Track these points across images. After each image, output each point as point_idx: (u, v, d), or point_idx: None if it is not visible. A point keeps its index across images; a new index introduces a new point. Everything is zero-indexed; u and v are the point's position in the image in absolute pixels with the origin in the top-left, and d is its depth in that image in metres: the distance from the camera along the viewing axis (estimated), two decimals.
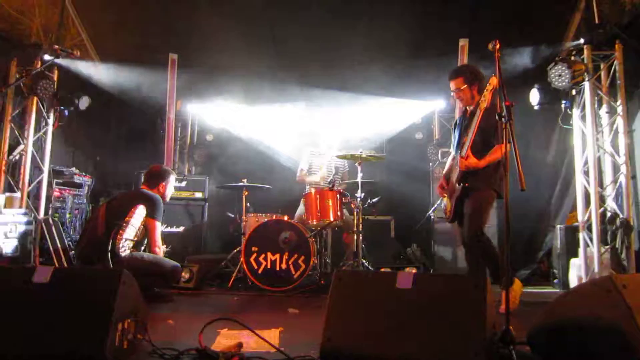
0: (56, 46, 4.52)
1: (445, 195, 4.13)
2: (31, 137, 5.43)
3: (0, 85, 4.96)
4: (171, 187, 4.68)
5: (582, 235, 4.85)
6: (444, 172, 4.30)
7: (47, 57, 5.16)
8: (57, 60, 5.17)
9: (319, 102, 6.88)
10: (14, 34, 5.61)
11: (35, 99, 5.39)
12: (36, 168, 5.60)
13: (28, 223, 5.13)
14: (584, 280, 4.69)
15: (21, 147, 5.41)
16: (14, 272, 2.74)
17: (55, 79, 5.50)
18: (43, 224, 5.32)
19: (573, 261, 5.00)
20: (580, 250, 4.86)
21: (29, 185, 5.45)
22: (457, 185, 3.91)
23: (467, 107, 4.05)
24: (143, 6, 6.17)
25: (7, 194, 5.19)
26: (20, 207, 5.22)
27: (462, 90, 3.94)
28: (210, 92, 7.16)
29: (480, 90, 3.83)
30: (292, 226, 4.96)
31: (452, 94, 4.06)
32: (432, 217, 5.97)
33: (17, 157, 5.43)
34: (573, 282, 4.95)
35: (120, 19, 6.20)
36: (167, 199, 4.62)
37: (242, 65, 6.52)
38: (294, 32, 6.32)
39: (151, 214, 4.28)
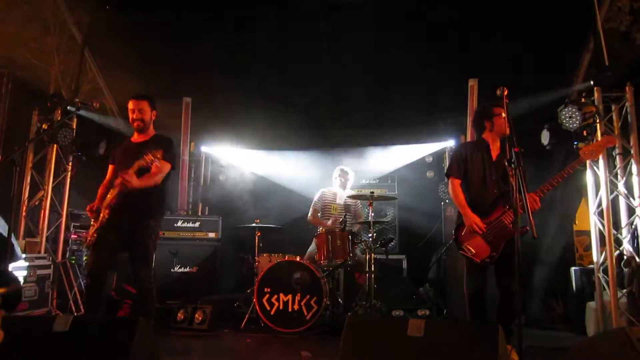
0: (77, 99, 4.70)
1: (478, 234, 3.75)
2: (51, 183, 5.60)
3: (22, 134, 5.14)
4: None
5: (597, 279, 4.77)
6: (462, 201, 3.87)
7: (68, 107, 5.35)
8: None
9: (331, 144, 7.01)
10: (35, 82, 5.83)
11: (55, 146, 5.59)
12: (54, 212, 5.75)
13: (46, 267, 5.24)
14: (600, 325, 4.60)
15: (41, 193, 5.58)
16: (34, 322, 2.82)
17: (74, 126, 5.72)
18: (61, 267, 5.43)
19: (589, 304, 4.92)
20: (596, 293, 4.77)
21: (48, 230, 5.59)
22: (512, 226, 3.57)
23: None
24: (158, 51, 6.41)
25: (27, 239, 5.33)
26: (40, 251, 5.35)
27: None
28: (223, 133, 7.35)
29: None
30: (304, 267, 4.99)
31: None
32: (444, 256, 5.96)
33: (36, 203, 5.59)
34: (589, 326, 4.87)
35: (136, 63, 6.43)
36: None
37: (254, 108, 6.71)
38: (308, 80, 6.51)
39: None
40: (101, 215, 3.69)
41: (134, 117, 3.96)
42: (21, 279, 4.82)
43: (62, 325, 2.57)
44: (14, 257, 4.38)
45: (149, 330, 2.67)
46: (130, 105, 3.98)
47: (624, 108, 4.88)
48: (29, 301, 4.93)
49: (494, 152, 3.95)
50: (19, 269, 4.81)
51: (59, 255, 5.59)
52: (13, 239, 4.42)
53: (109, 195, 3.73)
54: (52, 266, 5.34)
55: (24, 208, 5.44)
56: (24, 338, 2.56)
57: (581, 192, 5.58)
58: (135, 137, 4.07)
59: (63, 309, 5.36)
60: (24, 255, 4.97)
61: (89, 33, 6.07)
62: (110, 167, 4.06)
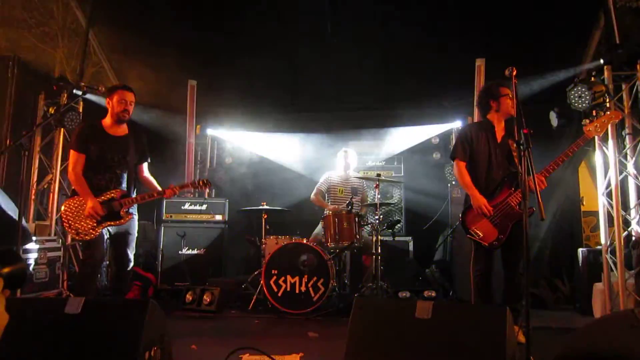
0: (82, 83, 4.68)
1: (485, 217, 3.75)
2: (59, 167, 5.63)
3: (29, 118, 5.16)
4: None
5: (605, 260, 4.73)
6: (469, 183, 3.86)
7: (74, 91, 5.35)
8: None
9: (337, 126, 6.98)
10: (40, 66, 5.82)
11: (62, 130, 5.60)
12: (63, 195, 5.78)
13: (56, 249, 5.31)
14: (607, 306, 4.59)
15: (49, 176, 5.61)
16: (46, 304, 2.85)
17: (81, 110, 5.72)
18: (71, 249, 5.49)
19: (596, 285, 4.91)
20: (604, 274, 4.74)
21: (57, 212, 5.63)
22: (518, 208, 3.66)
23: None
24: (163, 34, 6.37)
25: (37, 222, 5.39)
26: (49, 234, 5.41)
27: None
28: (229, 116, 7.33)
29: None
30: (311, 249, 5.02)
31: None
32: (450, 238, 5.97)
33: (45, 186, 5.63)
34: (596, 307, 4.86)
35: (141, 46, 6.39)
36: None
37: (260, 91, 6.68)
38: (313, 62, 6.45)
39: None
40: (126, 217, 3.85)
41: (128, 109, 3.91)
42: (32, 262, 4.88)
43: (74, 307, 2.60)
44: (26, 240, 4.44)
45: (159, 311, 2.70)
46: (128, 97, 3.90)
47: (635, 87, 4.78)
48: (40, 283, 5.01)
49: (499, 133, 3.92)
50: (29, 251, 4.87)
51: (69, 237, 5.64)
52: (23, 222, 4.47)
53: (113, 195, 3.80)
54: (62, 248, 5.41)
55: (33, 191, 5.49)
56: (36, 320, 2.60)
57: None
58: (115, 130, 3.96)
59: (73, 290, 5.42)
60: (34, 238, 5.03)
61: (93, 15, 6.03)
62: (83, 157, 3.80)
